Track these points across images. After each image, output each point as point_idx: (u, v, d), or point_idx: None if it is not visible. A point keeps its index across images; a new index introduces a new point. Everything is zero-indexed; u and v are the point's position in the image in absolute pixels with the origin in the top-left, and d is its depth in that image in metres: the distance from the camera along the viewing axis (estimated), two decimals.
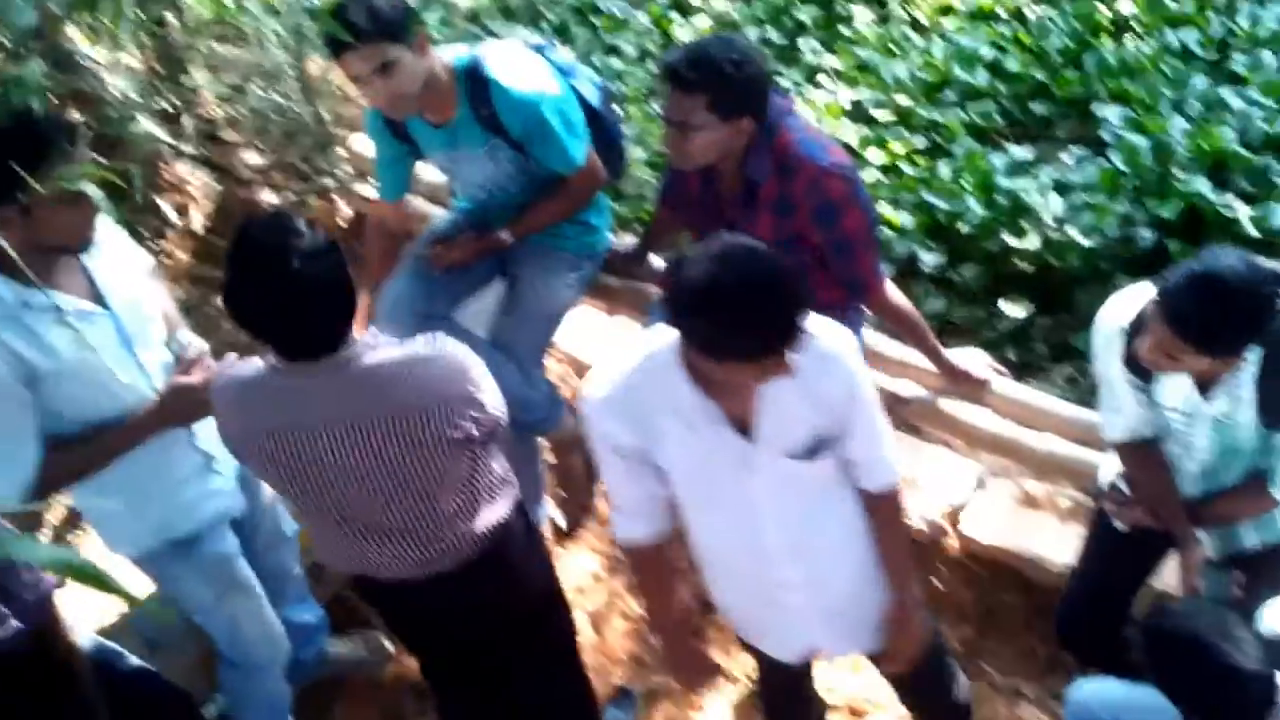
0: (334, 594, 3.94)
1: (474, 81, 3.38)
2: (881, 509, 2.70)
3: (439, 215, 4.08)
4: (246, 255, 2.43)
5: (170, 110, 5.11)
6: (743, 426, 2.46)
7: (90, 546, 4.00)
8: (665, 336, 2.45)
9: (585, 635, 3.80)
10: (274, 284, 2.39)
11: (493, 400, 2.70)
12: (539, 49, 3.57)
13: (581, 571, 4.00)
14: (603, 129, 3.67)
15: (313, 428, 2.56)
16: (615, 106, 3.90)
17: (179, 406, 2.83)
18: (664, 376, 2.44)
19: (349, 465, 2.59)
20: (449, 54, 3.42)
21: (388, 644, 3.90)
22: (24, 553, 1.28)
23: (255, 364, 2.61)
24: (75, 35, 4.83)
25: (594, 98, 3.64)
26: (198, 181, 5.09)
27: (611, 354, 2.57)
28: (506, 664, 3.16)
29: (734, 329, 2.22)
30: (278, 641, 3.38)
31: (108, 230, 2.85)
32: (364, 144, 4.87)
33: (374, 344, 2.57)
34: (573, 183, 3.56)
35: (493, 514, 2.84)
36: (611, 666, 3.83)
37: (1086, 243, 4.39)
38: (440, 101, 3.38)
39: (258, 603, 3.29)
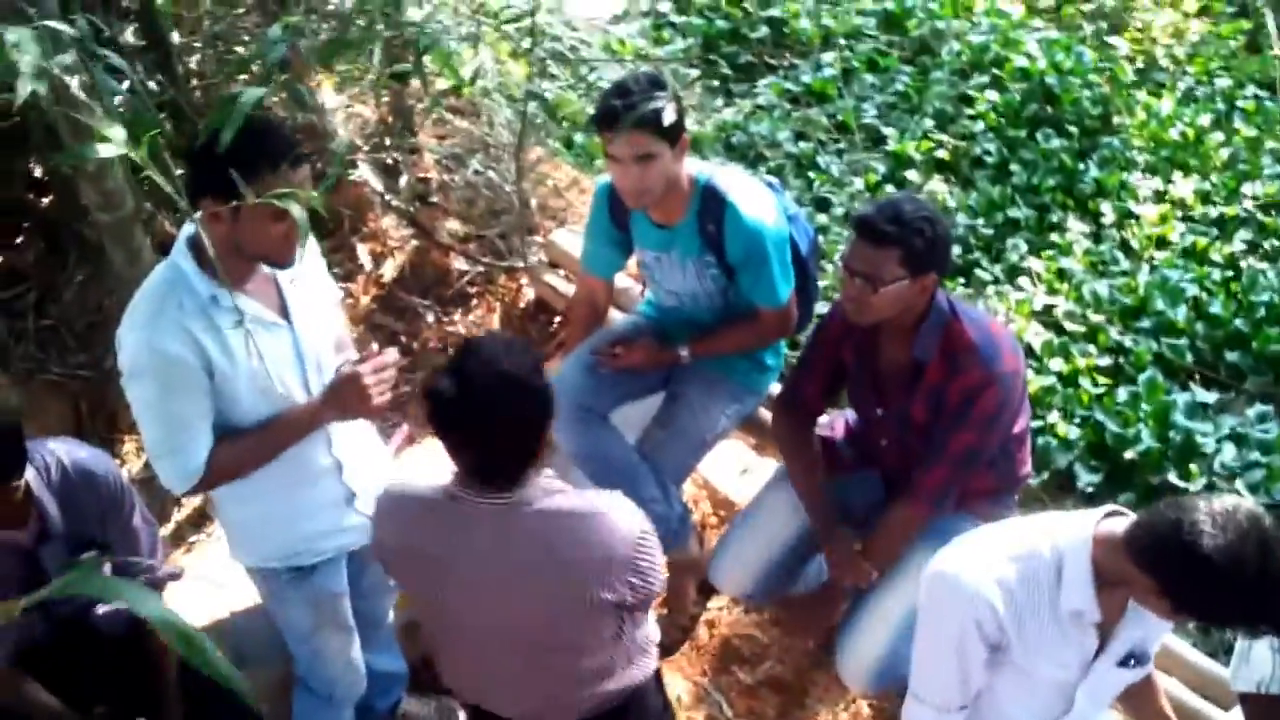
0: (423, 655, 3.96)
1: (709, 197, 3.49)
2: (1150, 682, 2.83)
3: (621, 322, 4.15)
4: (463, 363, 2.42)
5: (389, 164, 5.31)
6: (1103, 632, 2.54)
7: (211, 549, 4.10)
8: (1064, 533, 2.49)
9: None
10: (472, 402, 2.38)
11: (656, 568, 2.63)
12: (771, 186, 3.67)
13: (669, 694, 3.94)
14: (803, 278, 3.71)
15: (468, 564, 2.51)
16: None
17: (345, 393, 2.83)
18: (1061, 575, 2.47)
19: (493, 608, 2.55)
20: (693, 166, 3.53)
21: (461, 715, 3.90)
22: (134, 602, 1.29)
23: (431, 484, 2.59)
24: (321, 78, 5.08)
25: (804, 246, 3.70)
26: (398, 236, 5.24)
27: (983, 538, 2.60)
28: None
29: (1248, 613, 2.30)
30: (356, 681, 3.40)
31: (311, 254, 2.96)
32: (563, 238, 5.00)
33: (551, 488, 2.51)
34: (766, 319, 3.61)
35: (626, 679, 2.74)
36: None
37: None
38: (672, 205, 3.49)
39: (348, 641, 3.31)
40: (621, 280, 4.43)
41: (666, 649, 4.05)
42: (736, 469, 4.43)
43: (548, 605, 2.52)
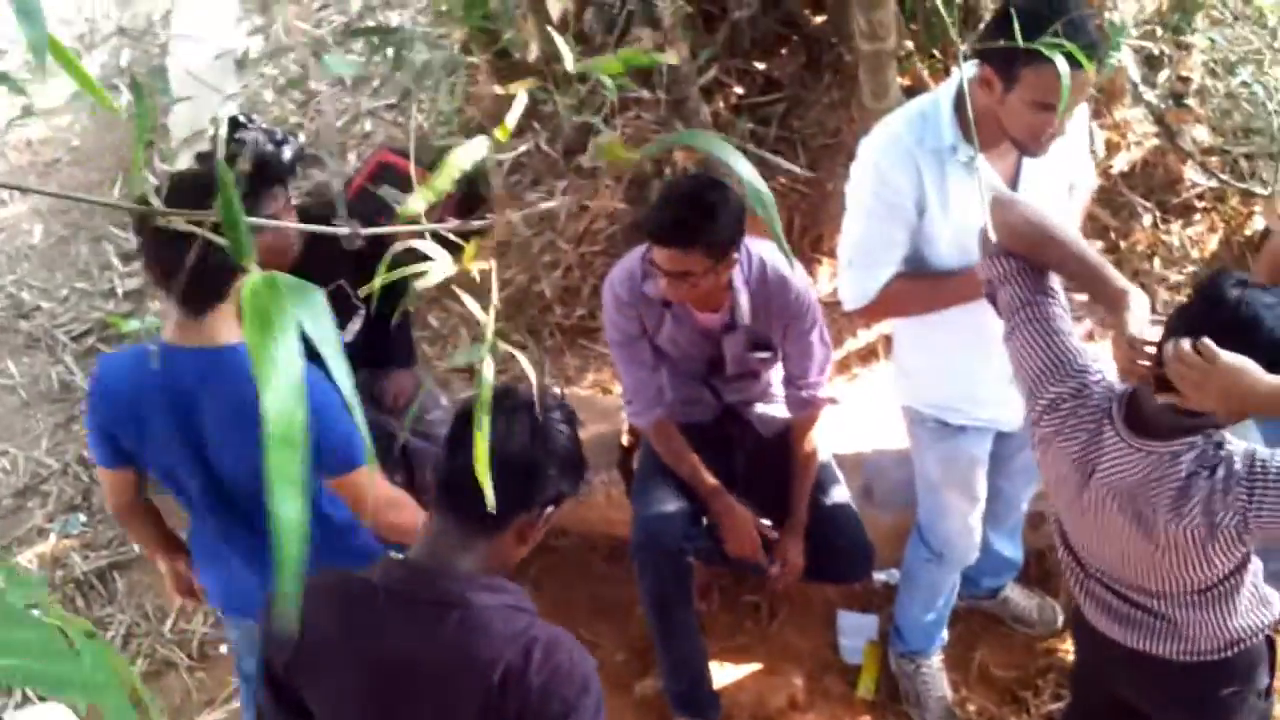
0: (1042, 548, 3.99)
1: None
2: None
3: None
4: None
5: (1154, 55, 5.12)
6: None
7: (872, 384, 4.28)
8: None
9: None
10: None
11: None
12: None
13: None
14: None
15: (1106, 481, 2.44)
16: None
17: None
18: None
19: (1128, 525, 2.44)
20: None
21: (1059, 619, 3.91)
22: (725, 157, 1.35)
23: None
24: None
25: None
26: (1140, 131, 5.06)
27: None
28: None
29: None
30: (969, 549, 3.48)
31: (1074, 135, 2.95)
32: None
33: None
34: None
35: (1234, 625, 2.56)
36: None
37: None
38: None
39: (972, 508, 3.39)
40: None
41: None
42: None
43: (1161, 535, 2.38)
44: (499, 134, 1.30)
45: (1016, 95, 2.61)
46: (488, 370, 1.16)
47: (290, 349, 0.91)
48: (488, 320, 1.18)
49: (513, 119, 1.38)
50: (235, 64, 6.05)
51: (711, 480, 3.51)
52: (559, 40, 1.54)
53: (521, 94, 1.44)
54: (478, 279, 1.29)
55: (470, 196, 4.88)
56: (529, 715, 1.97)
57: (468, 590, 2.01)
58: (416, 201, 1.24)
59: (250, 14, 6.40)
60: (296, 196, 4.29)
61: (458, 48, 5.27)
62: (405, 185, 4.23)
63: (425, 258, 1.21)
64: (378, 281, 1.22)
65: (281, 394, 0.89)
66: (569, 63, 1.39)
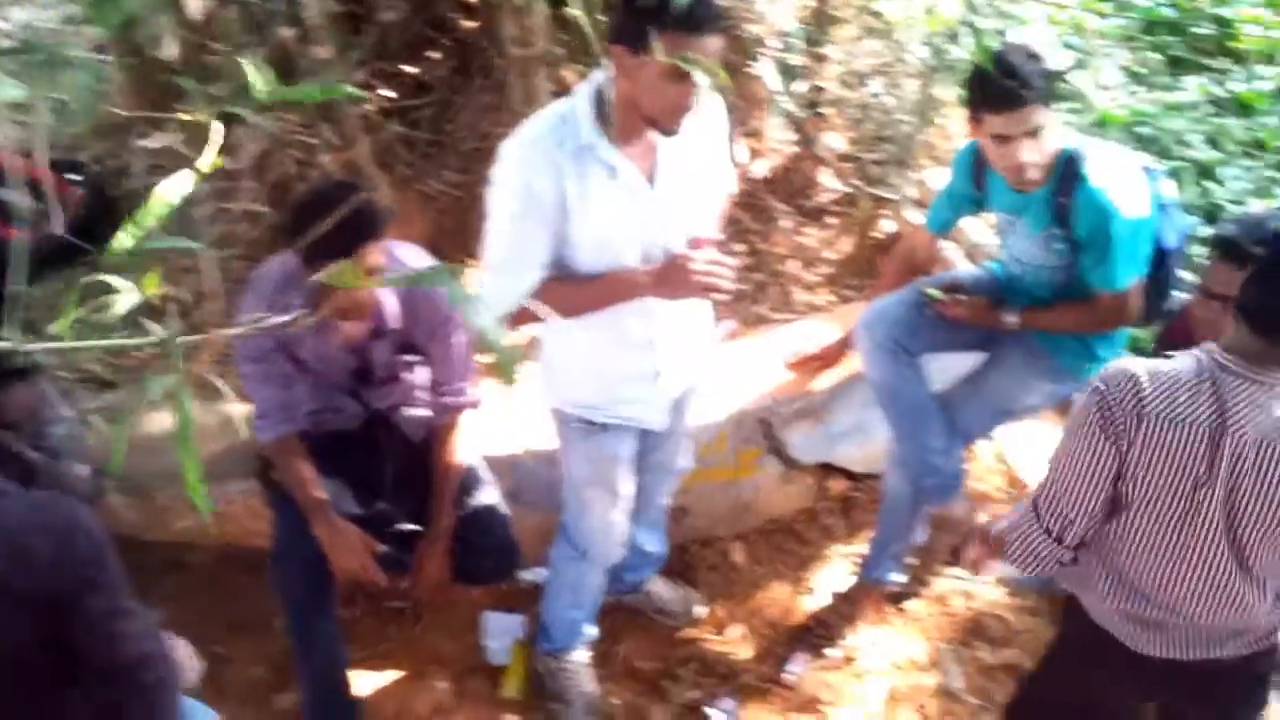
0: (686, 542, 4.07)
1: (1068, 170, 3.35)
2: None
3: (965, 270, 4.09)
4: None
5: (791, 65, 5.30)
6: None
7: (520, 386, 4.28)
8: None
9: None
10: None
11: None
12: (1148, 171, 3.49)
13: (899, 650, 3.97)
14: (1161, 273, 3.52)
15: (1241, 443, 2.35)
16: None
17: (671, 276, 2.86)
18: None
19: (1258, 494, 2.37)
20: (1065, 138, 3.40)
21: (702, 610, 4.01)
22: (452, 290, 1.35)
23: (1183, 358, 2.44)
24: None
25: (1173, 240, 3.51)
26: (778, 139, 5.24)
27: None
28: None
29: None
30: (612, 546, 3.52)
31: (712, 137, 3.02)
32: (936, 179, 4.90)
33: None
34: (1101, 304, 3.45)
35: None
36: None
37: None
38: (1035, 173, 3.38)
39: (614, 505, 3.43)
40: (984, 237, 4.36)
41: (897, 597, 4.07)
42: (1044, 455, 4.32)
43: None
44: (205, 167, 1.28)
45: (651, 68, 2.65)
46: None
47: None
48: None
49: (210, 155, 1.34)
50: None
51: (318, 495, 3.40)
52: (250, 68, 1.47)
53: (217, 124, 1.41)
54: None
55: (100, 198, 4.65)
56: (66, 592, 2.08)
57: None
58: (125, 239, 1.29)
59: None
60: None
61: (89, 47, 5.02)
62: (33, 189, 4.02)
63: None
64: None
65: None
66: (261, 92, 1.34)
